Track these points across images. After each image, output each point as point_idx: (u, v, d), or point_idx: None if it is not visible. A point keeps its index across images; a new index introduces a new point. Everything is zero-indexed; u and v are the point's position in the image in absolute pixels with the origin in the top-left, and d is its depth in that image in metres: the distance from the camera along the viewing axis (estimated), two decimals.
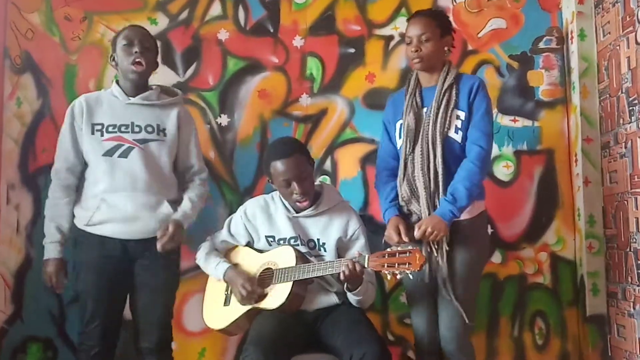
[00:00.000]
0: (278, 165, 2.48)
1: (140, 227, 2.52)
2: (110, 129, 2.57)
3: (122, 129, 2.57)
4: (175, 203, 2.63)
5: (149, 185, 2.54)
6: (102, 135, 2.56)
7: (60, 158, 2.59)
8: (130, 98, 2.61)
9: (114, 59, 2.63)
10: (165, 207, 2.56)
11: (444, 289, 2.37)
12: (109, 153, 2.54)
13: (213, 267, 2.58)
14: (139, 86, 2.64)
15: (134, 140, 2.56)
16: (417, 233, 2.33)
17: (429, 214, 2.37)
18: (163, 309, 2.60)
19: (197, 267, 2.71)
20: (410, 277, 2.27)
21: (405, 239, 2.37)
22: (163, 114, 2.65)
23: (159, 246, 2.47)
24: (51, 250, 2.54)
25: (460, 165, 2.42)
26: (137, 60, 2.55)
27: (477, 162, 2.39)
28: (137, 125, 2.58)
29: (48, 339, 3.06)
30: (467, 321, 2.34)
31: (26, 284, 3.07)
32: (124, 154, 2.54)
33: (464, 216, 2.40)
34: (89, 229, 2.53)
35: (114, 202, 2.51)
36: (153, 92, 2.66)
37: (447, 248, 2.34)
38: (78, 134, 2.58)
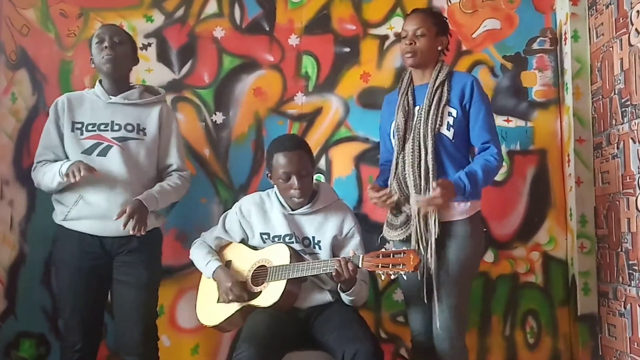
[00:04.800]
0: (281, 158, 2.49)
1: (116, 225, 2.48)
2: (89, 127, 2.58)
3: (102, 127, 2.58)
4: None
5: (127, 184, 2.54)
6: (81, 133, 2.57)
7: (48, 151, 2.59)
8: (112, 97, 2.62)
9: (92, 62, 2.64)
10: None
11: (436, 288, 2.38)
12: (87, 152, 2.55)
13: (204, 264, 2.59)
14: (120, 85, 2.64)
15: (112, 138, 2.57)
16: (430, 193, 2.32)
17: (417, 212, 2.37)
18: (144, 306, 2.58)
19: (191, 264, 2.72)
20: (404, 277, 2.28)
21: (379, 193, 2.40)
22: (144, 113, 2.65)
23: (124, 229, 2.43)
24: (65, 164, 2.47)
25: (478, 156, 2.44)
26: (108, 54, 2.56)
27: (498, 157, 2.42)
28: (116, 124, 2.59)
29: (41, 334, 3.06)
30: (437, 325, 2.37)
31: (19, 280, 3.07)
32: (103, 153, 2.54)
33: (461, 216, 2.42)
34: (66, 224, 2.55)
35: (90, 200, 2.51)
36: (135, 91, 2.66)
37: (434, 246, 2.35)
38: (62, 131, 2.59)
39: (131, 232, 2.44)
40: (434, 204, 2.31)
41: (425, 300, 2.42)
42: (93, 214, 2.51)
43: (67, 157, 2.57)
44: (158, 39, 3.20)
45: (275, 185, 2.61)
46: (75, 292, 2.52)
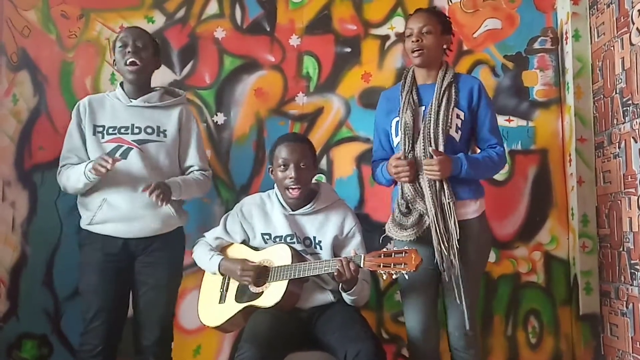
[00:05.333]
0: (282, 148, 2.53)
1: (140, 226, 2.53)
2: (110, 130, 2.60)
3: (122, 130, 2.60)
4: (176, 202, 2.63)
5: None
6: (102, 137, 2.59)
7: (71, 154, 2.61)
8: (132, 100, 2.63)
9: (115, 65, 2.66)
10: (166, 207, 2.55)
11: (455, 288, 2.38)
12: (108, 155, 2.54)
13: (207, 260, 2.59)
14: (141, 87, 2.66)
15: (132, 141, 2.58)
16: (425, 166, 2.38)
17: (435, 213, 2.38)
18: (164, 306, 2.62)
19: (192, 265, 2.73)
20: (406, 277, 2.28)
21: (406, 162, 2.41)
22: (164, 116, 2.66)
23: (149, 196, 2.44)
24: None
25: (484, 150, 2.51)
26: (131, 60, 2.57)
27: (502, 156, 2.49)
28: (136, 127, 2.61)
29: (43, 335, 3.06)
30: (467, 327, 2.38)
31: (21, 281, 3.07)
32: (123, 155, 2.56)
33: (474, 214, 2.45)
34: (91, 228, 2.57)
35: (114, 202, 2.54)
36: (155, 93, 2.67)
37: (457, 246, 2.35)
38: (84, 133, 2.61)
39: (154, 199, 2.44)
40: (431, 170, 2.35)
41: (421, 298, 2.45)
42: (117, 216, 2.54)
43: (88, 158, 2.58)
44: (159, 39, 3.19)
45: (276, 182, 2.61)
46: (99, 295, 2.53)
